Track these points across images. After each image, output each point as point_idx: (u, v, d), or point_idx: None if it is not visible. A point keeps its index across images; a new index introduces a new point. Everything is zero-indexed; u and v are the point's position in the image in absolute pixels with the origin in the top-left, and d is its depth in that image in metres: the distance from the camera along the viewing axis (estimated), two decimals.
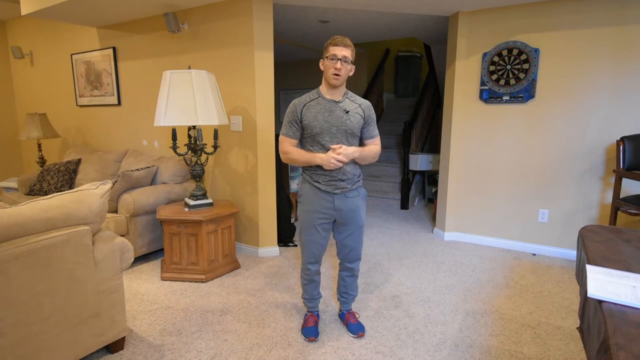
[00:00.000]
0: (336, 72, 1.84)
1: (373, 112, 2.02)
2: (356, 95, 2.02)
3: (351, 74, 1.91)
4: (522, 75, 3.29)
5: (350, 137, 1.94)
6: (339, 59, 1.82)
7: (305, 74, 7.17)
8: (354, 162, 1.98)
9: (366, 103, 2.01)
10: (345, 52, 1.83)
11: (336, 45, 1.83)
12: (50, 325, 1.64)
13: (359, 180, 2.03)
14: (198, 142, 2.89)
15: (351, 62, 1.87)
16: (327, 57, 1.86)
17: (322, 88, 1.95)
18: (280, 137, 2.00)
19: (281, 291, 2.70)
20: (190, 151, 2.94)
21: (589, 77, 3.10)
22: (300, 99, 1.96)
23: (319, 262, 2.13)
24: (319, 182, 1.97)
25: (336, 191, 1.96)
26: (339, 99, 1.94)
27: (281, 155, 2.01)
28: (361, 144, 2.06)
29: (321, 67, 1.92)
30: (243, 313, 2.40)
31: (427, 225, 4.31)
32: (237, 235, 3.50)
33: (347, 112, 1.92)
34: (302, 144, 2.01)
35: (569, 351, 2.02)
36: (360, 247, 2.13)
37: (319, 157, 1.88)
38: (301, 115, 1.93)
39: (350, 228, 2.05)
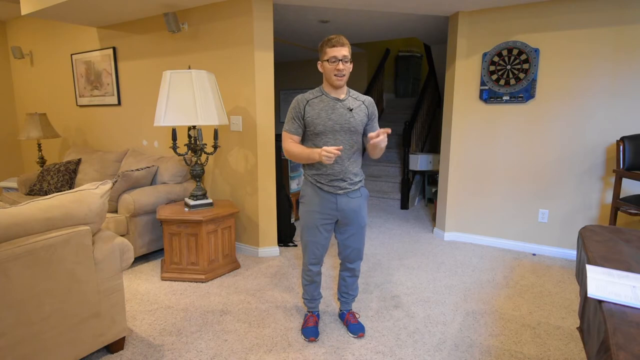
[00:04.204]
0: (340, 74, 1.83)
1: (375, 108, 2.02)
2: (358, 93, 2.01)
3: (350, 70, 1.90)
4: (522, 75, 3.30)
5: (354, 136, 1.94)
6: (339, 60, 1.81)
7: (305, 74, 7.17)
8: (355, 162, 1.98)
9: (369, 100, 2.00)
10: (344, 51, 1.81)
11: (333, 46, 1.80)
12: (50, 325, 1.64)
13: (360, 181, 2.03)
14: (198, 142, 2.89)
15: (350, 59, 1.86)
16: (326, 60, 1.83)
17: (325, 87, 1.94)
18: (283, 134, 1.99)
19: (281, 291, 2.70)
20: (190, 151, 2.94)
21: (589, 77, 3.10)
22: (303, 95, 1.95)
23: (320, 263, 2.13)
24: (321, 183, 1.96)
25: (339, 192, 1.96)
26: (342, 97, 1.93)
27: (284, 152, 2.00)
28: (363, 141, 2.06)
29: (320, 69, 1.90)
30: (243, 313, 2.40)
31: (427, 225, 4.31)
32: (237, 235, 3.50)
33: (351, 110, 1.91)
34: (304, 142, 1.99)
35: (569, 351, 2.02)
36: (362, 247, 2.13)
37: (317, 152, 1.80)
38: (304, 112, 1.91)
39: (352, 228, 2.04)
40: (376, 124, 2.04)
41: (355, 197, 2.00)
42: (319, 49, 1.89)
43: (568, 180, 3.28)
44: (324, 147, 1.73)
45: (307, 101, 1.92)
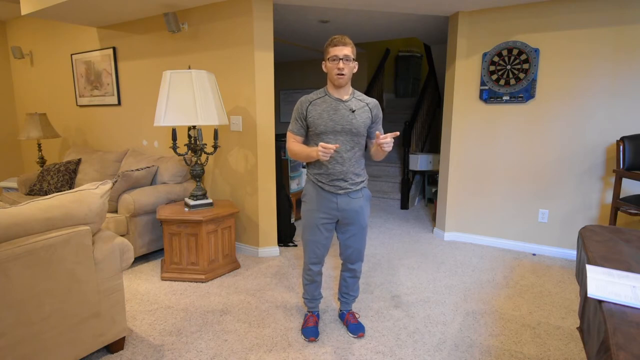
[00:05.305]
0: (340, 72, 1.84)
1: (380, 110, 2.02)
2: (363, 94, 2.01)
3: (355, 70, 1.91)
4: (522, 75, 3.29)
5: (355, 137, 1.94)
6: (340, 59, 1.82)
7: (305, 74, 7.17)
8: (357, 163, 1.99)
9: (373, 102, 2.00)
10: (346, 50, 1.82)
11: (335, 45, 1.83)
12: (50, 325, 1.64)
13: (362, 182, 2.03)
14: (198, 142, 2.89)
15: (353, 59, 1.86)
16: (328, 58, 1.86)
17: (329, 87, 1.95)
18: (287, 134, 2.03)
19: (281, 291, 2.70)
20: (190, 151, 2.94)
21: (589, 77, 3.10)
22: (307, 96, 1.97)
23: (321, 263, 2.13)
24: (322, 182, 1.97)
25: (339, 192, 1.96)
26: (345, 98, 1.94)
27: (287, 151, 2.04)
28: (367, 143, 2.06)
29: (324, 69, 1.92)
30: (243, 313, 2.40)
31: (427, 225, 4.31)
32: (237, 235, 3.50)
33: (353, 111, 1.92)
34: (308, 142, 2.01)
35: (569, 351, 2.02)
36: (363, 248, 2.13)
37: (315, 150, 1.83)
38: (306, 112, 1.93)
39: (353, 229, 2.05)
40: (380, 126, 2.03)
41: (357, 198, 2.00)
42: (324, 50, 1.91)
43: (568, 180, 3.28)
44: (321, 143, 1.75)
45: (310, 102, 1.94)
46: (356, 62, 1.90)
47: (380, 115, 2.02)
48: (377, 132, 1.79)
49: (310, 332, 2.13)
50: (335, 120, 1.89)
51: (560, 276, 2.97)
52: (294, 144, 1.98)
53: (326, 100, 1.93)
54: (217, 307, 2.47)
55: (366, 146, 2.07)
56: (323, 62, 1.91)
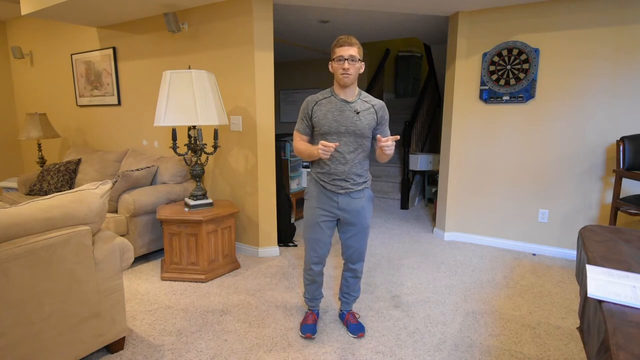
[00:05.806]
0: (345, 72, 1.84)
1: (386, 112, 2.01)
2: (370, 96, 2.01)
3: (361, 71, 1.91)
4: (522, 75, 3.30)
5: (360, 138, 1.94)
6: (345, 59, 1.83)
7: (305, 74, 7.16)
8: (360, 164, 1.99)
9: (379, 104, 1.99)
10: (351, 50, 1.83)
11: (341, 45, 1.84)
12: (50, 325, 1.64)
13: (365, 182, 2.03)
14: (198, 142, 2.89)
15: (359, 59, 1.87)
16: (334, 59, 1.87)
17: (335, 88, 1.96)
18: (294, 133, 2.06)
19: (281, 291, 2.70)
20: (190, 151, 2.94)
21: (589, 77, 3.10)
22: (314, 95, 1.99)
23: (322, 263, 2.12)
24: (324, 181, 1.98)
25: (340, 191, 1.97)
26: (351, 99, 1.94)
27: (293, 149, 2.06)
28: (373, 144, 2.06)
29: (331, 70, 1.93)
30: (243, 313, 2.40)
31: (427, 225, 4.31)
32: (237, 235, 3.50)
33: (358, 112, 1.92)
34: (312, 142, 2.02)
35: (569, 351, 2.02)
36: (364, 249, 2.13)
37: (316, 149, 1.85)
38: (312, 112, 1.95)
39: (354, 229, 2.05)
40: (386, 128, 2.03)
41: (358, 198, 2.00)
42: (330, 50, 1.93)
43: (568, 180, 3.28)
44: (321, 142, 1.77)
45: (316, 102, 1.96)
46: (362, 63, 1.90)
47: (386, 116, 2.01)
48: (378, 135, 1.79)
49: (308, 328, 2.13)
50: (339, 122, 1.90)
51: (560, 276, 2.97)
52: (300, 143, 2.00)
53: (332, 100, 1.94)
54: (217, 307, 2.47)
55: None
56: (329, 62, 1.92)
